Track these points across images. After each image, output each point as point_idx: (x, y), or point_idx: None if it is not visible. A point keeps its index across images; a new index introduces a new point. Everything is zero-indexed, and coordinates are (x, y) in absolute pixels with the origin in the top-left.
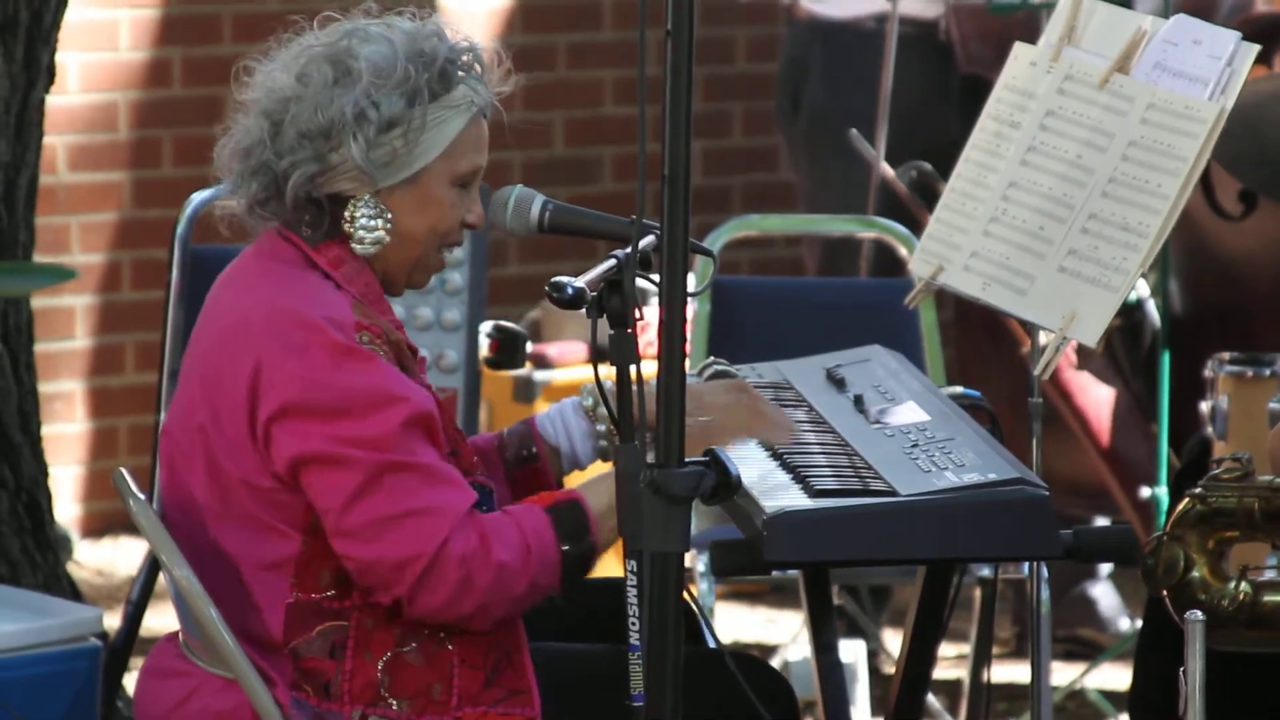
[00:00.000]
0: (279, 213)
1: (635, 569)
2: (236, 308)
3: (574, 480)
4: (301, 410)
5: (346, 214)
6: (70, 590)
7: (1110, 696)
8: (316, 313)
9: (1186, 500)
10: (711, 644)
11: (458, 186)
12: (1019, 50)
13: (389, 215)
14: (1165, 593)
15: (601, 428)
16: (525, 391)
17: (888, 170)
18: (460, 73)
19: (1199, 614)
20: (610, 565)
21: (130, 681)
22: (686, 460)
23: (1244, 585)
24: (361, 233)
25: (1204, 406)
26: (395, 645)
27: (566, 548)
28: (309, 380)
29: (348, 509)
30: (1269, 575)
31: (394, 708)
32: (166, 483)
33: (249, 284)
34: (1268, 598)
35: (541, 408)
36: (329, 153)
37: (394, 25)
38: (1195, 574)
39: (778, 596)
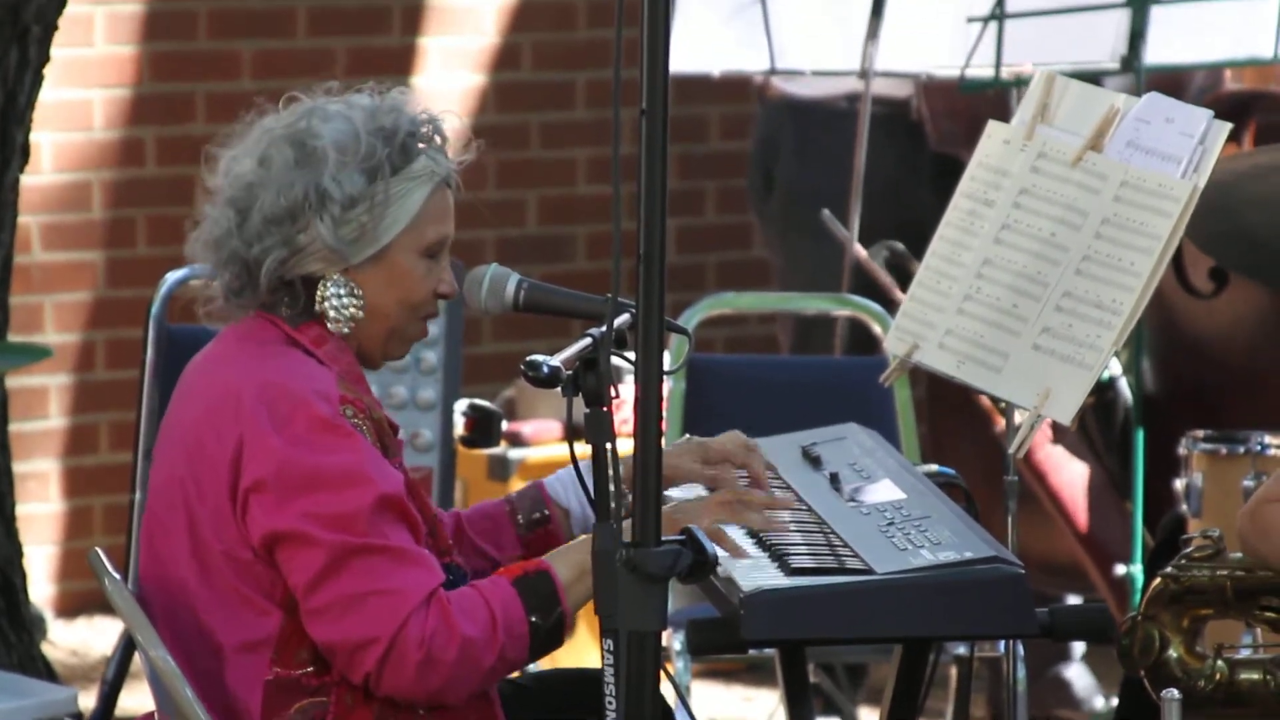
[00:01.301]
0: (255, 299)
1: (612, 648)
2: (222, 382)
3: None
4: (276, 485)
5: (319, 294)
6: (45, 670)
7: None
8: (304, 386)
9: (1159, 580)
10: None
11: (427, 258)
12: (992, 128)
13: (359, 292)
14: (1142, 672)
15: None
16: (500, 470)
17: (860, 250)
18: (420, 144)
19: (1175, 692)
20: (585, 655)
21: None
22: (663, 539)
23: (1219, 664)
24: (333, 312)
25: (1178, 484)
26: None
27: (535, 619)
28: (286, 454)
29: (314, 588)
30: (1244, 654)
31: None
32: (146, 560)
33: (233, 361)
34: (1244, 676)
35: (516, 486)
36: (296, 235)
37: (353, 103)
38: (1171, 653)
39: (754, 675)
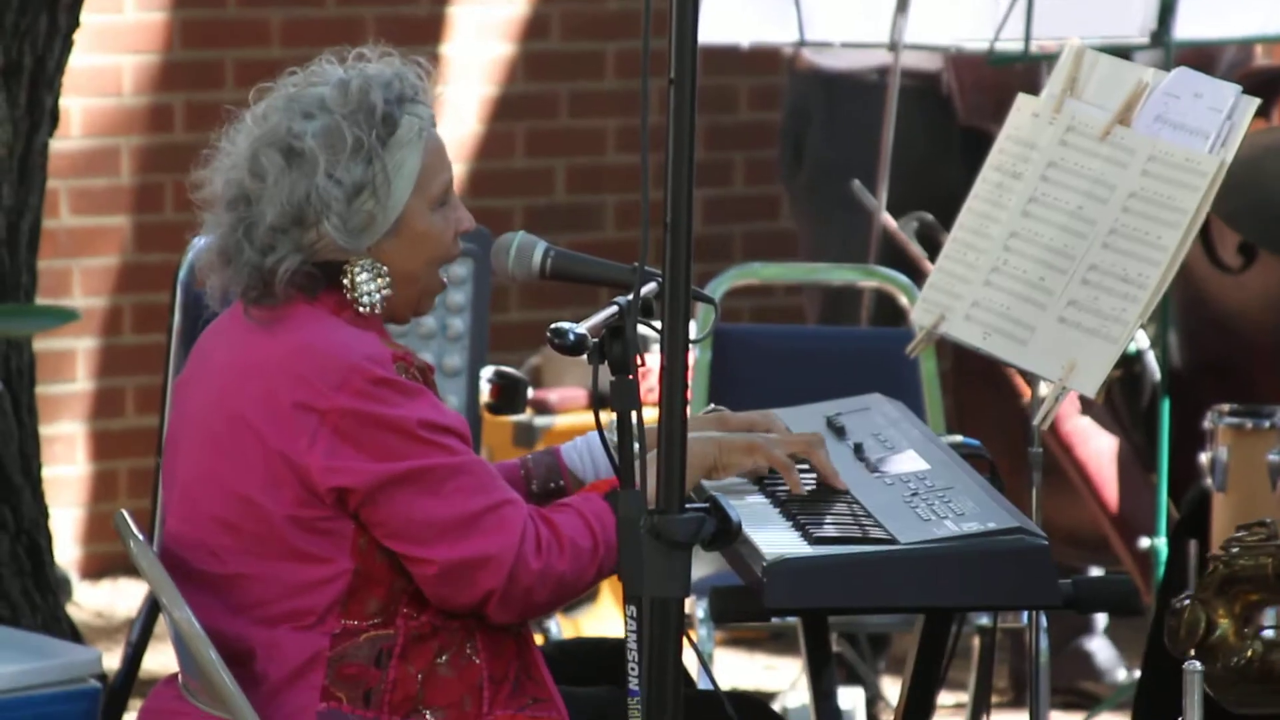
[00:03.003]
0: (275, 300)
1: (635, 615)
2: (258, 352)
3: None
4: (359, 442)
5: (345, 281)
6: (70, 632)
7: None
8: (354, 350)
9: (1211, 564)
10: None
11: (439, 208)
12: (1021, 102)
13: (384, 269)
14: (1191, 653)
15: None
16: (526, 437)
17: (890, 220)
18: (399, 108)
19: (1197, 664)
20: (608, 623)
21: None
22: (687, 506)
23: (1255, 643)
24: (365, 298)
25: (1203, 458)
26: (433, 656)
27: None
28: (361, 412)
29: (429, 520)
30: (1268, 634)
31: (428, 718)
32: (176, 526)
33: (264, 330)
34: (1276, 655)
35: None
36: (305, 235)
37: (323, 88)
38: (1218, 635)
39: (777, 643)
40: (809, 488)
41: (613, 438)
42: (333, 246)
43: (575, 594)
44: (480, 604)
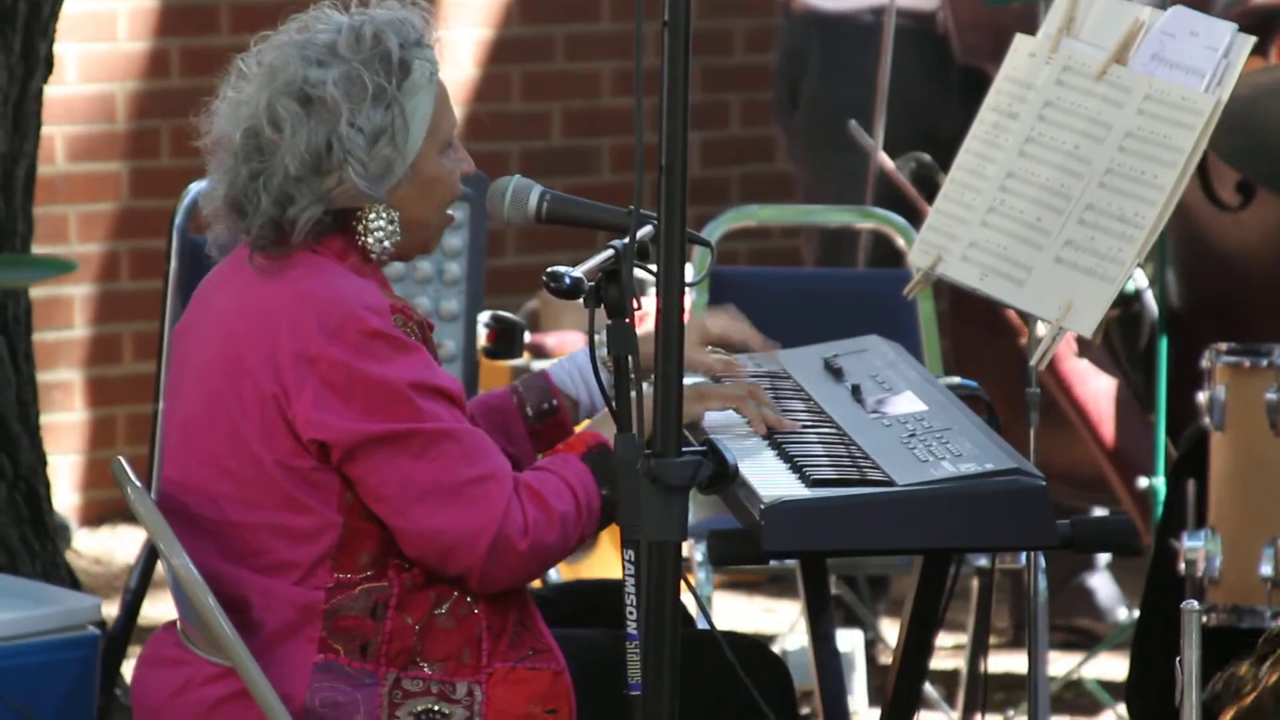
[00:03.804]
0: (287, 247)
1: (633, 558)
2: (260, 298)
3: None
4: (344, 395)
5: (358, 227)
6: (68, 579)
7: (1108, 686)
8: (353, 300)
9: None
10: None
11: (446, 152)
12: (1019, 42)
13: (396, 215)
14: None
15: None
16: None
17: (887, 161)
18: (411, 53)
19: (1195, 603)
20: (606, 567)
21: (129, 670)
22: (684, 449)
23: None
24: (375, 242)
25: (1201, 397)
26: (431, 608)
27: (605, 492)
28: (351, 365)
29: (407, 485)
30: None
31: (425, 670)
32: (174, 472)
33: (266, 275)
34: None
35: None
36: (323, 183)
37: (332, 35)
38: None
39: (775, 586)
40: (802, 422)
41: (605, 367)
42: (351, 194)
43: (557, 561)
44: (461, 577)
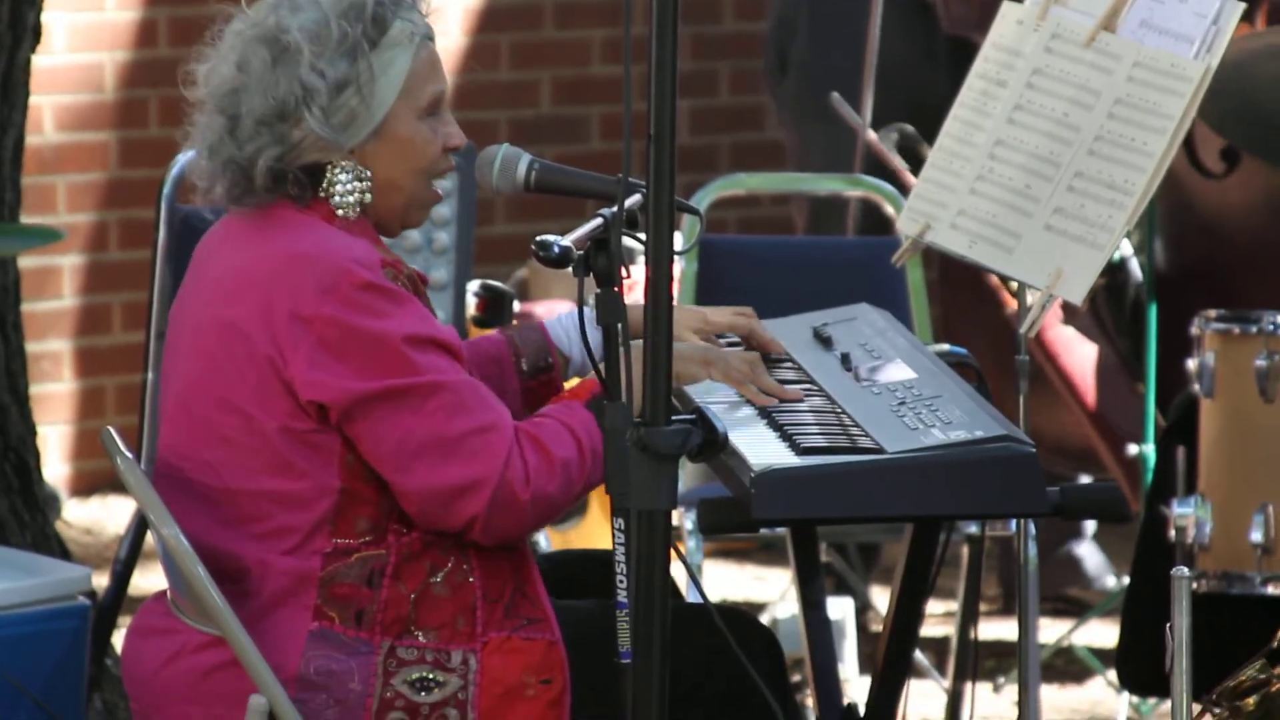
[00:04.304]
0: (257, 199)
1: (622, 527)
2: (248, 261)
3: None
4: (338, 352)
5: (324, 182)
6: (59, 549)
7: (1098, 653)
8: (342, 254)
9: None
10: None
11: (428, 118)
12: (1006, 9)
13: (366, 172)
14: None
15: None
16: None
17: (871, 135)
18: (391, 10)
19: (1185, 570)
20: (596, 536)
21: (119, 640)
22: (673, 418)
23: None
24: (340, 198)
25: (1190, 363)
26: (426, 576)
27: None
28: (342, 321)
29: (407, 439)
30: None
31: (420, 639)
32: (169, 440)
33: (256, 241)
34: None
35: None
36: (289, 131)
37: None
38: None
39: (766, 554)
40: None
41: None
42: (316, 145)
43: (564, 509)
44: (464, 529)
